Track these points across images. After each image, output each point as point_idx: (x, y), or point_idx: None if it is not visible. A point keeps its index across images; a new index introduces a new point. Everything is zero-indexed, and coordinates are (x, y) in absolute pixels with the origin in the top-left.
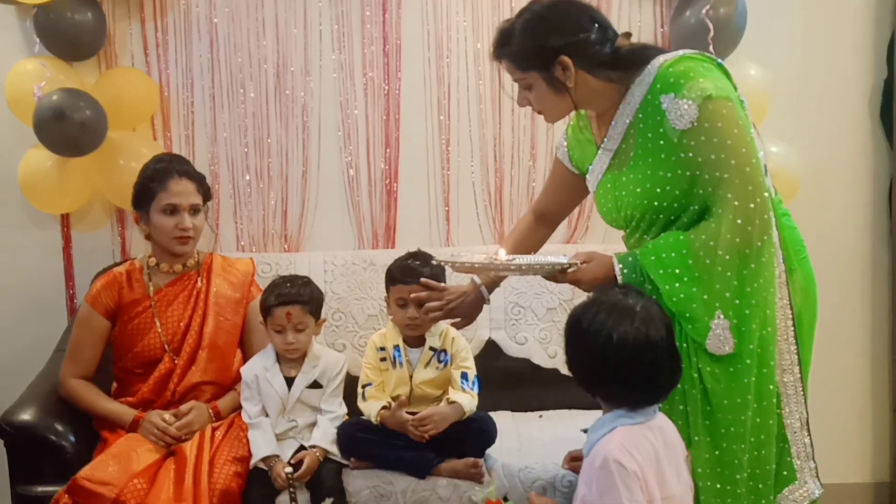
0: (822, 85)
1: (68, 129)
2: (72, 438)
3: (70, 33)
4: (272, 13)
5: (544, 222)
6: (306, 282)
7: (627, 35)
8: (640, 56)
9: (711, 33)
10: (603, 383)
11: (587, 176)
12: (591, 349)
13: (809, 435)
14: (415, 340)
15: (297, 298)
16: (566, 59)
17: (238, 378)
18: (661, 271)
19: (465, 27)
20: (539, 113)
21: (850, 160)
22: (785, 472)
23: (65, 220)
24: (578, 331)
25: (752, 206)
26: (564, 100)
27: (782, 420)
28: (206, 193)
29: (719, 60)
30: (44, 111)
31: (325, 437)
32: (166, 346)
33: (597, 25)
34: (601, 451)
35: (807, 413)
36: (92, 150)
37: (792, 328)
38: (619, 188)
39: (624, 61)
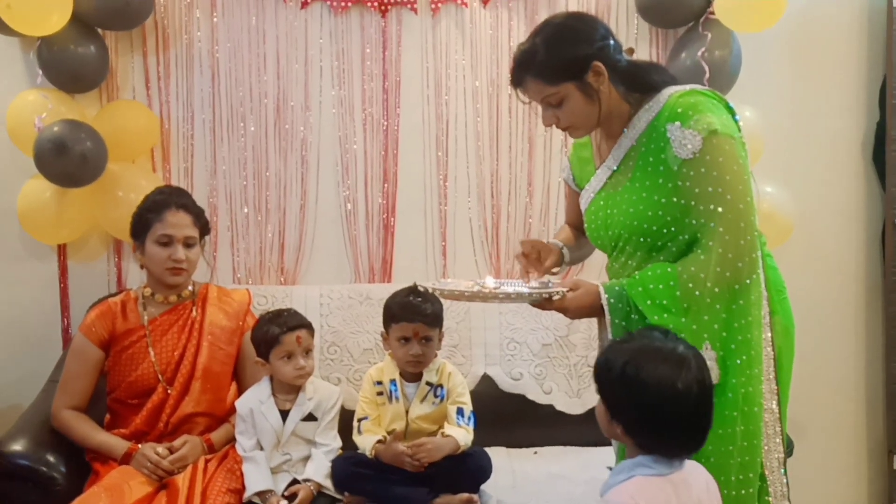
0: (816, 127)
1: (68, 161)
2: (63, 470)
3: (72, 66)
4: (273, 49)
5: (582, 232)
6: (296, 311)
7: (630, 51)
8: (652, 79)
9: (707, 75)
10: (657, 432)
11: (581, 193)
12: (653, 399)
13: (786, 475)
14: (412, 375)
15: (303, 322)
16: (598, 64)
17: (232, 410)
18: (648, 302)
19: (464, 65)
20: (566, 129)
21: (842, 202)
22: None
23: (61, 250)
24: (636, 381)
25: (742, 242)
26: (595, 109)
27: (762, 459)
28: (203, 227)
29: (728, 101)
30: (44, 142)
31: (319, 470)
32: (160, 376)
33: (611, 39)
34: (611, 498)
35: (784, 453)
36: (91, 181)
37: (773, 368)
38: (611, 206)
39: (640, 78)
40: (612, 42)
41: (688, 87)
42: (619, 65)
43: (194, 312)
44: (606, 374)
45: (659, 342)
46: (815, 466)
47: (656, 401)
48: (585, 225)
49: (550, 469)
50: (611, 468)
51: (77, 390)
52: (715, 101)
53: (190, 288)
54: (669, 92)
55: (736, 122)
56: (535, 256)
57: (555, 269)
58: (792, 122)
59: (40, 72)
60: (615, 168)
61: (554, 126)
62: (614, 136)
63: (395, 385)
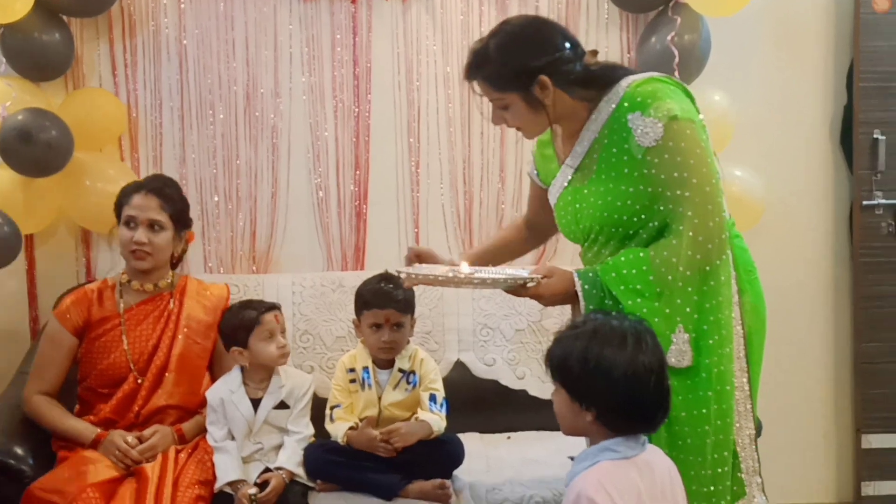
0: (784, 111)
1: (34, 150)
2: (31, 462)
3: (37, 53)
4: (242, 35)
5: (534, 232)
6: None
7: (594, 53)
8: (610, 75)
9: (677, 59)
10: (630, 410)
11: (549, 189)
12: (623, 378)
13: (757, 451)
14: (384, 362)
15: (276, 304)
16: (545, 78)
17: (205, 402)
18: (622, 287)
19: (435, 51)
20: (518, 130)
21: (811, 184)
22: (735, 487)
23: (29, 241)
24: (603, 364)
25: (710, 224)
26: (542, 117)
27: (734, 436)
28: (175, 213)
29: (685, 85)
30: (9, 131)
31: (291, 458)
32: (132, 366)
33: (568, 44)
34: (578, 485)
35: (755, 430)
36: (58, 170)
37: (743, 347)
38: (579, 200)
39: (596, 80)
40: (566, 52)
41: (645, 74)
42: (570, 76)
43: (172, 304)
44: (567, 364)
45: (614, 320)
46: (785, 446)
47: (626, 379)
48: (556, 220)
49: (524, 454)
50: (573, 458)
51: (49, 376)
52: (672, 86)
53: (168, 279)
54: (627, 82)
55: (695, 105)
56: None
57: None
58: (761, 106)
59: (3, 60)
60: (579, 162)
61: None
62: (575, 133)
63: (367, 372)
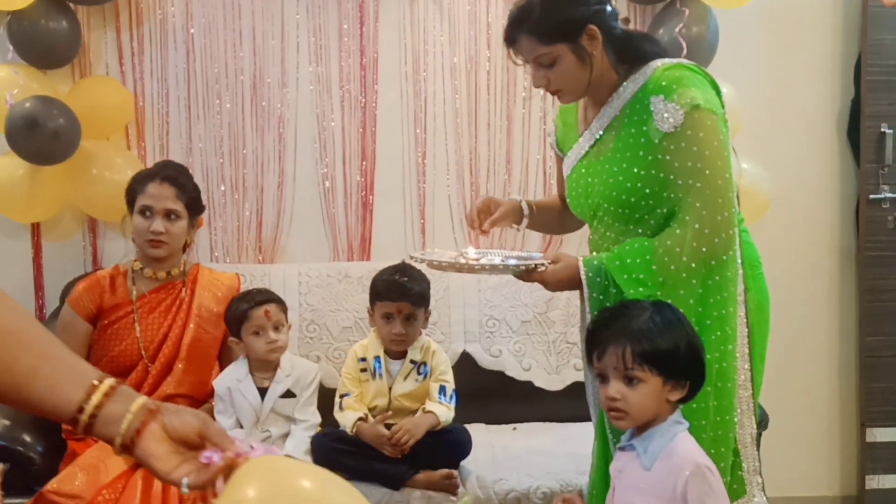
0: (792, 104)
1: (41, 138)
2: (40, 449)
3: (44, 41)
4: (249, 24)
5: (567, 209)
6: (268, 289)
7: (626, 20)
8: (643, 50)
9: (685, 51)
10: (698, 386)
11: (564, 161)
12: (704, 361)
13: (758, 450)
14: (396, 353)
15: (270, 297)
16: (594, 28)
17: (213, 392)
18: (625, 276)
19: (442, 41)
20: (555, 93)
21: (818, 178)
22: (735, 486)
23: (35, 229)
24: (702, 350)
25: (718, 218)
26: (586, 73)
27: (736, 434)
28: (191, 202)
29: (713, 77)
30: (16, 119)
31: (298, 447)
32: (143, 353)
33: (608, 5)
34: (686, 457)
35: (756, 428)
36: (64, 158)
37: (747, 345)
38: (592, 175)
39: (631, 49)
40: (608, 8)
41: (675, 60)
42: (613, 32)
43: (184, 293)
44: (670, 352)
45: (675, 311)
46: (789, 439)
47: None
48: (566, 192)
49: (529, 444)
50: (622, 447)
51: None
52: (700, 76)
53: (180, 267)
54: (656, 65)
55: (720, 98)
56: (485, 211)
57: (515, 226)
58: (768, 99)
59: (11, 47)
60: (598, 136)
61: (543, 90)
62: (600, 104)
63: (379, 362)
